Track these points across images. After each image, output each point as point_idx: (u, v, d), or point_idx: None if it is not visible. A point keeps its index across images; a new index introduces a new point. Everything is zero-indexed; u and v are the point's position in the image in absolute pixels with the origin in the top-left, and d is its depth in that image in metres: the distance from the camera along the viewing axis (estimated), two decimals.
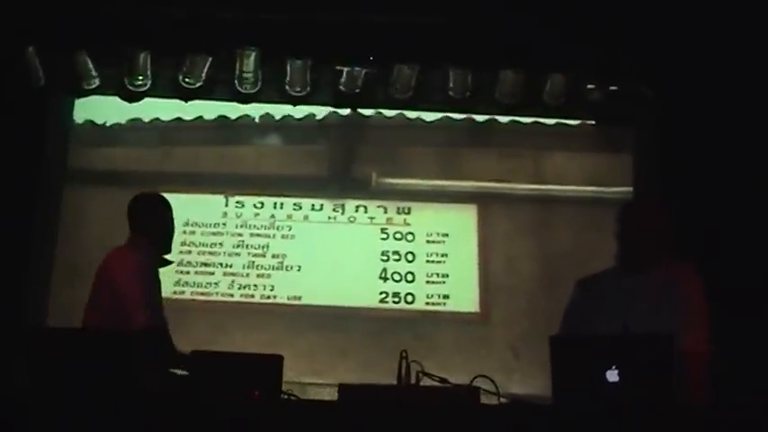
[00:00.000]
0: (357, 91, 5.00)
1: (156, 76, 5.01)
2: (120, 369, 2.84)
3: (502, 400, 3.12)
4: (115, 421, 2.68)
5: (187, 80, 4.99)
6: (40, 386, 2.82)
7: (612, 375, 2.74)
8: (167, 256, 4.15)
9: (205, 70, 4.96)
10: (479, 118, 6.11)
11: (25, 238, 4.86)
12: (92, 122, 6.28)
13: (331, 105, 5.31)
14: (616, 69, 4.84)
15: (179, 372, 3.43)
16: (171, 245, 4.15)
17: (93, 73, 5.02)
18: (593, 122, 5.55)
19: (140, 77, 4.99)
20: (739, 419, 2.68)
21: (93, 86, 5.07)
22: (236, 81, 5.00)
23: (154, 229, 4.09)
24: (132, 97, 5.11)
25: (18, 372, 3.39)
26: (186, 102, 5.20)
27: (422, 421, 2.70)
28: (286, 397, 3.04)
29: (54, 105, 5.24)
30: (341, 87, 5.01)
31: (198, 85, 5.02)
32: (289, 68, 4.94)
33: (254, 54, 4.87)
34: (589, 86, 4.91)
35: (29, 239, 4.89)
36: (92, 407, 2.70)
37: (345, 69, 4.92)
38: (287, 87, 5.02)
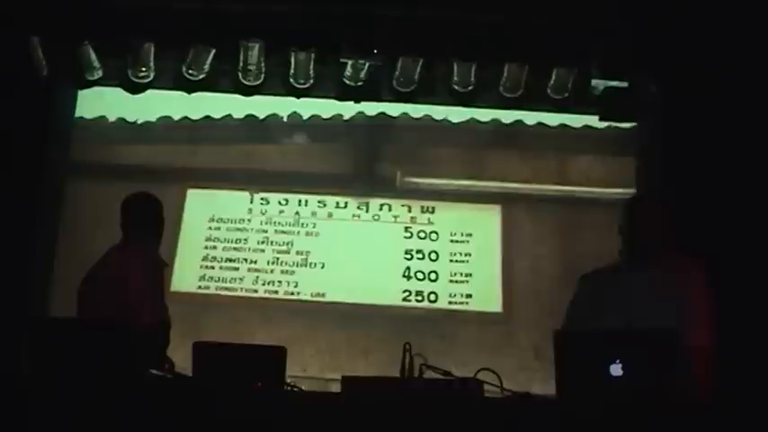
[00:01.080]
0: (361, 83, 4.99)
1: (160, 67, 5.00)
2: (122, 359, 2.84)
3: (505, 393, 3.11)
4: (116, 410, 2.68)
5: (191, 72, 4.99)
6: (41, 376, 2.83)
7: (616, 369, 2.75)
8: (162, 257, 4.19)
9: (209, 62, 4.96)
10: (505, 119, 6.13)
11: (29, 230, 4.86)
12: (123, 120, 6.40)
13: (335, 98, 5.29)
14: (621, 65, 4.82)
15: (156, 372, 3.40)
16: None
17: (97, 64, 5.02)
18: (597, 118, 5.52)
19: (144, 69, 5.00)
20: (739, 419, 2.68)
21: (97, 78, 5.07)
22: (239, 73, 5.00)
23: (154, 229, 4.12)
24: (136, 89, 5.11)
25: (21, 362, 3.39)
26: (189, 93, 5.18)
27: (424, 413, 2.70)
28: (289, 389, 3.03)
29: (60, 98, 5.24)
30: (345, 80, 5.00)
31: (201, 76, 5.01)
32: (293, 61, 4.93)
33: (257, 46, 4.86)
34: (593, 82, 4.89)
35: (33, 231, 4.88)
36: (93, 396, 2.71)
37: (349, 62, 4.90)
38: (291, 80, 5.02)
